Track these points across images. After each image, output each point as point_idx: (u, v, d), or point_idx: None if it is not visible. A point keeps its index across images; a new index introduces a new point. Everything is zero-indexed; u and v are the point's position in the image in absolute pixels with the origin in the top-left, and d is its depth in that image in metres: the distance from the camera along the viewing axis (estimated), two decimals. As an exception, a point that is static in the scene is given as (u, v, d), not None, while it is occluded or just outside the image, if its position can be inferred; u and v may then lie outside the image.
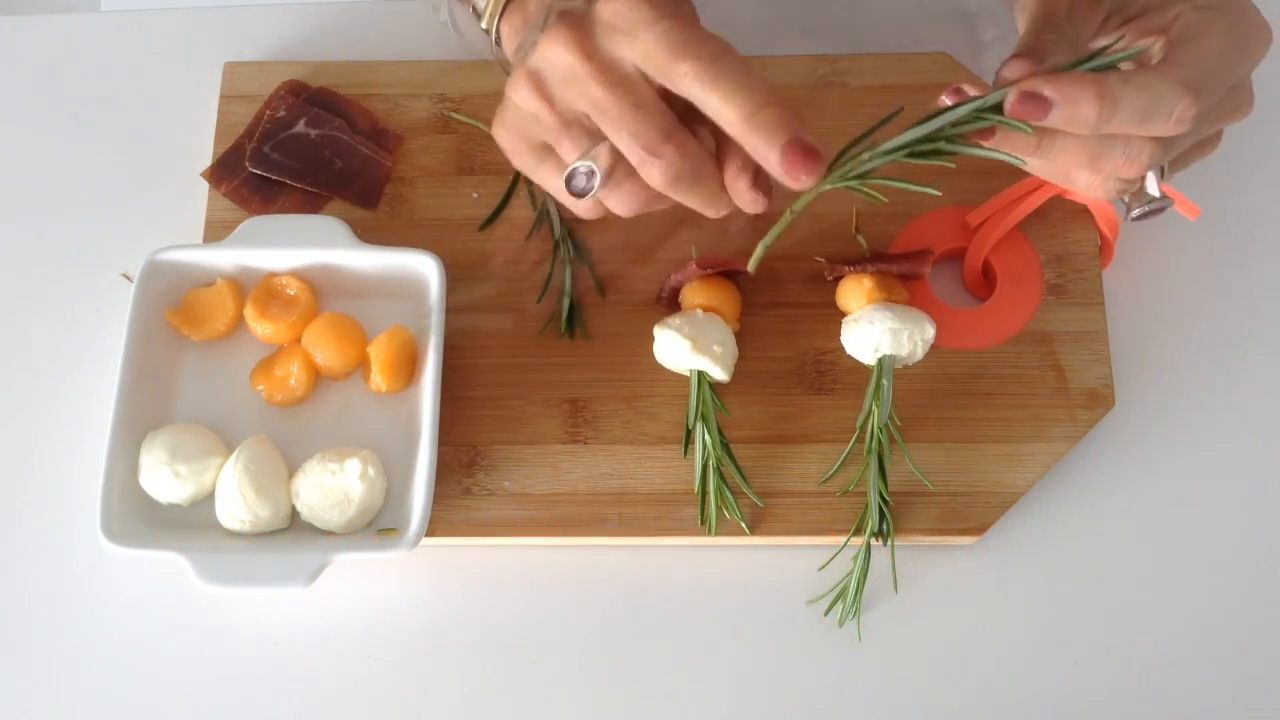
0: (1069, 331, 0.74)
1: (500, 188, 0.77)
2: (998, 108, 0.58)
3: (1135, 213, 0.70)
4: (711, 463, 0.69)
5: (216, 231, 0.77)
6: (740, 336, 0.72)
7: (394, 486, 0.70)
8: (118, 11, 0.87)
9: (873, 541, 0.69)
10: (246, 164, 0.78)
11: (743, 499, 0.70)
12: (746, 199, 0.61)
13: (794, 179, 0.57)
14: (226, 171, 0.79)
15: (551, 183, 0.63)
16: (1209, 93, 0.59)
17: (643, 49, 0.58)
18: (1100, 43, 0.63)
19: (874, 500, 0.68)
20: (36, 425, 0.75)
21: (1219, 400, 0.74)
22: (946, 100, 0.60)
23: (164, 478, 0.68)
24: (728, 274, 0.73)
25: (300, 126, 0.79)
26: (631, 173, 0.60)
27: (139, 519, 0.69)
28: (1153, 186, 0.69)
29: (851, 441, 0.70)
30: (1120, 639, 0.69)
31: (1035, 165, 0.64)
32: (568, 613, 0.71)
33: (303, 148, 0.79)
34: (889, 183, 0.60)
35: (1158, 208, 0.70)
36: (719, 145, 0.61)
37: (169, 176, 0.80)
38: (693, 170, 0.60)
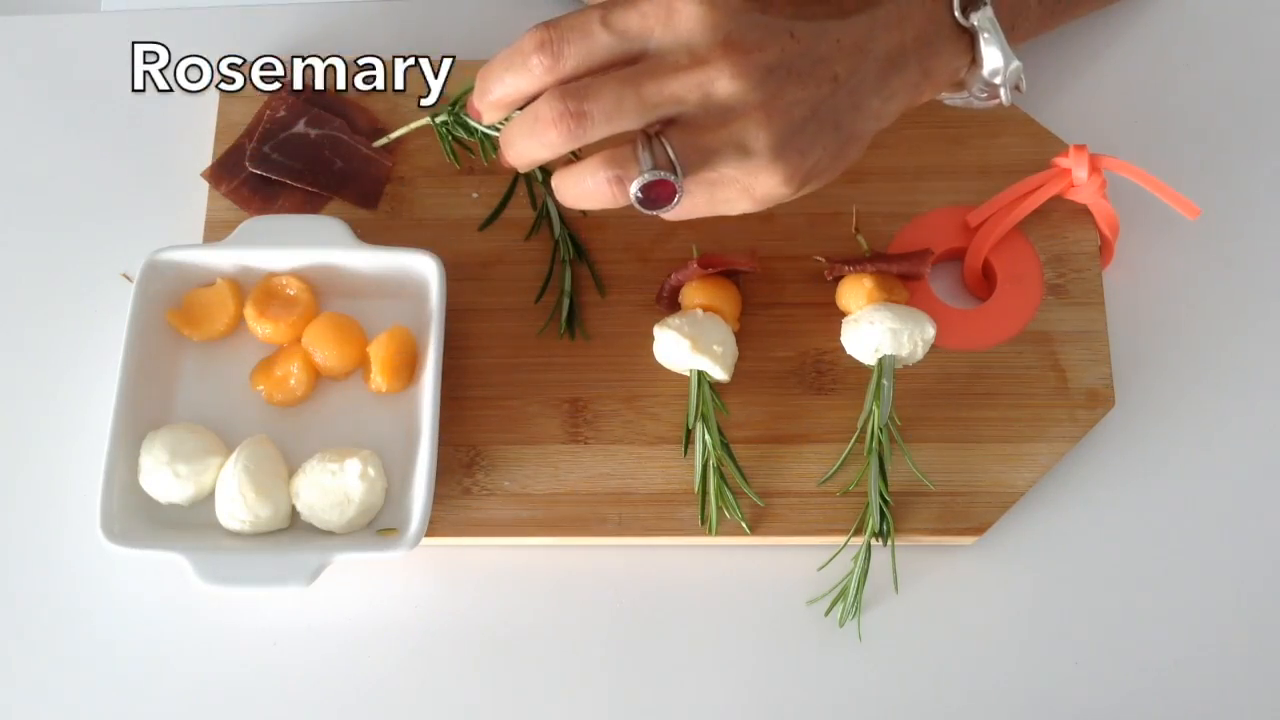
0: (1069, 331, 0.73)
1: (500, 188, 0.77)
2: None
3: None
4: (711, 463, 0.69)
5: (216, 231, 0.77)
6: (740, 336, 0.72)
7: (394, 486, 0.70)
8: (118, 11, 0.87)
9: (873, 541, 0.69)
10: (246, 164, 0.78)
11: (743, 499, 0.70)
12: None
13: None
14: (226, 171, 0.79)
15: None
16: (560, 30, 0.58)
17: None
18: None
19: (874, 500, 0.68)
20: (36, 425, 0.75)
21: (1219, 400, 0.74)
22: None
23: (164, 478, 0.68)
24: (728, 274, 0.73)
25: (300, 126, 0.79)
26: None
27: (139, 519, 0.69)
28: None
29: (851, 441, 0.70)
30: (1120, 639, 0.69)
31: None
32: (567, 612, 0.71)
33: (303, 148, 0.79)
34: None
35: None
36: None
37: (169, 176, 0.80)
38: None
